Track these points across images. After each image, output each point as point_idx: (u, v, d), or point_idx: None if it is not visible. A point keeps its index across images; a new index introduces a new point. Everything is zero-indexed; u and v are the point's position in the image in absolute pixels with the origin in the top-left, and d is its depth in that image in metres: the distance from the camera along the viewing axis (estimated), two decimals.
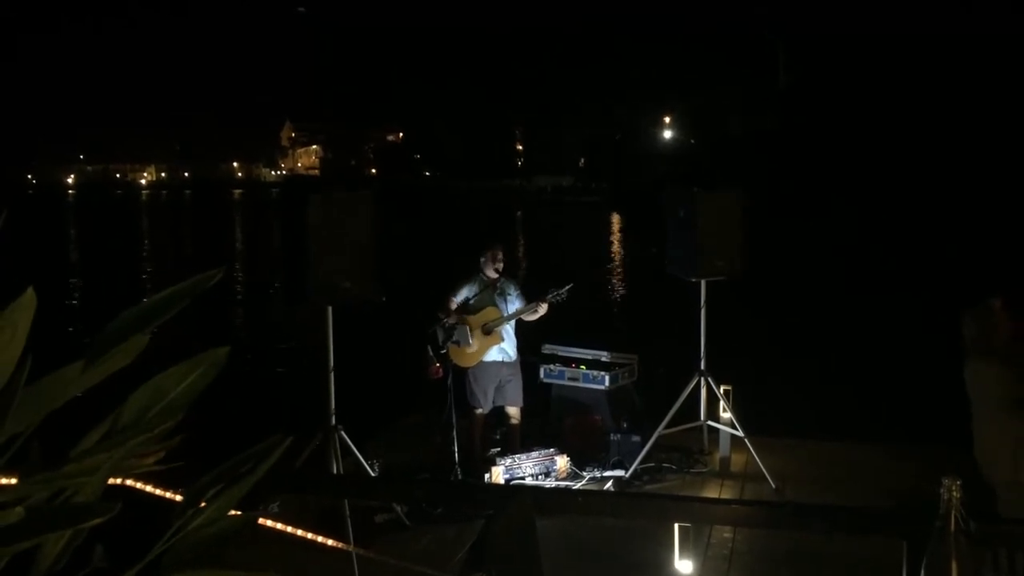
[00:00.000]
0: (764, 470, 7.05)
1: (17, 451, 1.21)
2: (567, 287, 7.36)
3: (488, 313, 7.38)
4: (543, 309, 7.37)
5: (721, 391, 7.44)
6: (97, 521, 1.13)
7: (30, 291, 1.16)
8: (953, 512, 1.80)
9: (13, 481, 1.20)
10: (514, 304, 7.44)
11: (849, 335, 16.69)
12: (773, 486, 6.98)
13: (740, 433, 7.31)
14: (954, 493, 1.80)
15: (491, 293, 7.42)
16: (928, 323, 17.15)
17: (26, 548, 1.14)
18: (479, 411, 7.48)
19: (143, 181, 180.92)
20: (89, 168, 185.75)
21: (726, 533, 5.96)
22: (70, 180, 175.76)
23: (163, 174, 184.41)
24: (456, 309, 7.35)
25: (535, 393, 8.14)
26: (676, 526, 3.43)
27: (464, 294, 7.40)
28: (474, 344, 7.35)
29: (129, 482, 2.55)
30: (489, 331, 7.36)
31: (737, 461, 7.56)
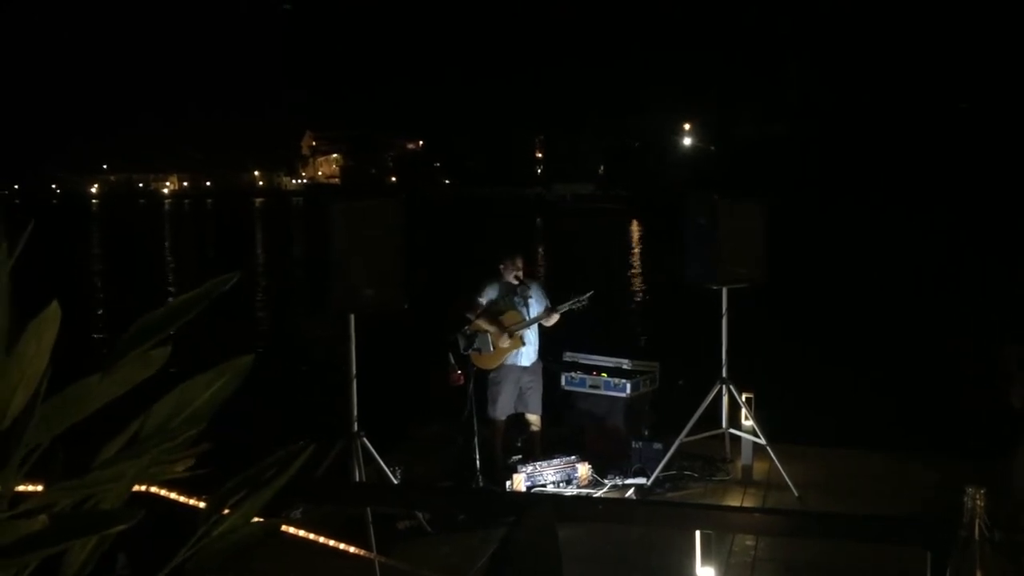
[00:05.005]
0: (786, 478, 7.01)
1: (44, 460, 1.22)
2: (587, 295, 7.37)
3: (510, 317, 7.41)
4: (556, 317, 7.41)
5: (743, 399, 7.41)
6: (121, 527, 1.13)
7: (54, 305, 1.17)
8: (977, 521, 1.79)
9: (39, 488, 1.22)
10: (535, 308, 7.46)
11: (873, 342, 16.58)
12: (795, 494, 6.94)
13: (762, 441, 7.27)
14: (978, 502, 1.79)
15: (512, 297, 7.45)
16: (952, 329, 17.07)
17: (53, 554, 1.15)
18: (499, 419, 7.49)
19: (165, 190, 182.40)
20: (112, 178, 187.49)
21: (748, 541, 5.93)
22: (94, 190, 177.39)
23: (185, 183, 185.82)
24: (479, 312, 7.39)
25: (556, 401, 8.14)
26: (698, 534, 3.41)
27: (488, 296, 7.44)
28: (495, 347, 7.37)
29: (154, 489, 2.57)
30: (511, 335, 7.39)
31: (759, 469, 7.52)
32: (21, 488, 1.20)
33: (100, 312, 25.05)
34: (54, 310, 1.16)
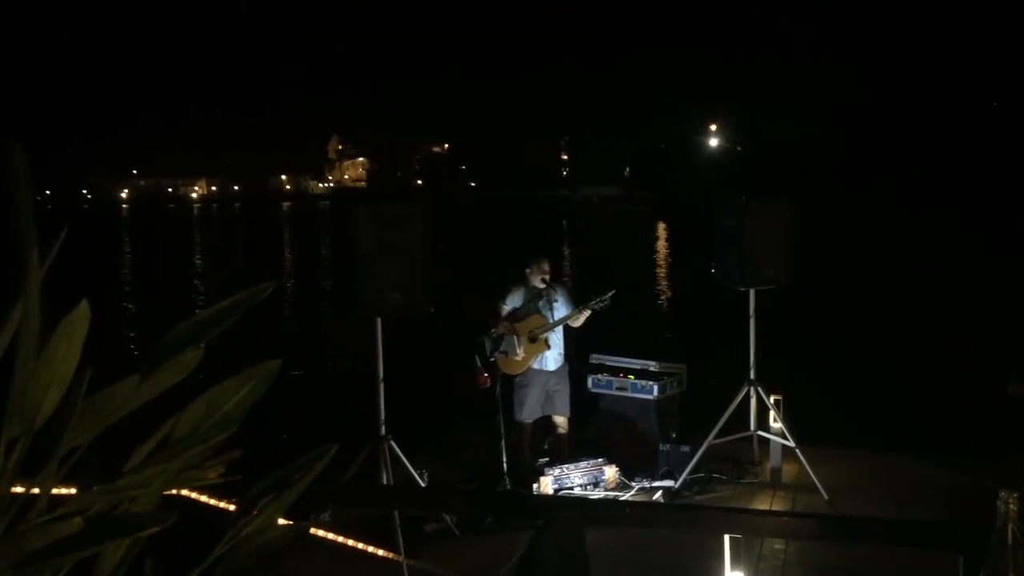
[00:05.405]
0: (816, 481, 6.95)
1: (77, 463, 1.23)
2: (609, 293, 7.34)
3: (534, 321, 7.41)
4: (585, 315, 7.38)
5: (771, 401, 7.36)
6: (153, 530, 1.15)
7: (84, 304, 1.18)
8: (1010, 525, 1.77)
9: (72, 491, 1.23)
10: (560, 311, 7.45)
11: (903, 344, 16.44)
12: (825, 497, 6.89)
13: (791, 443, 7.23)
14: (1011, 506, 1.77)
15: (537, 301, 7.44)
16: (985, 331, 16.89)
17: (85, 558, 1.17)
18: (526, 422, 7.49)
19: (194, 195, 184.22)
20: (142, 183, 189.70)
21: (777, 545, 5.89)
22: (124, 195, 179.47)
23: (213, 188, 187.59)
24: (504, 317, 7.40)
25: (583, 403, 8.12)
26: (726, 537, 3.39)
27: (512, 301, 7.44)
28: (521, 351, 7.37)
29: (184, 492, 2.59)
30: (535, 338, 7.38)
31: (788, 471, 7.47)
32: (55, 491, 1.22)
33: (134, 314, 25.27)
34: (83, 310, 1.17)
